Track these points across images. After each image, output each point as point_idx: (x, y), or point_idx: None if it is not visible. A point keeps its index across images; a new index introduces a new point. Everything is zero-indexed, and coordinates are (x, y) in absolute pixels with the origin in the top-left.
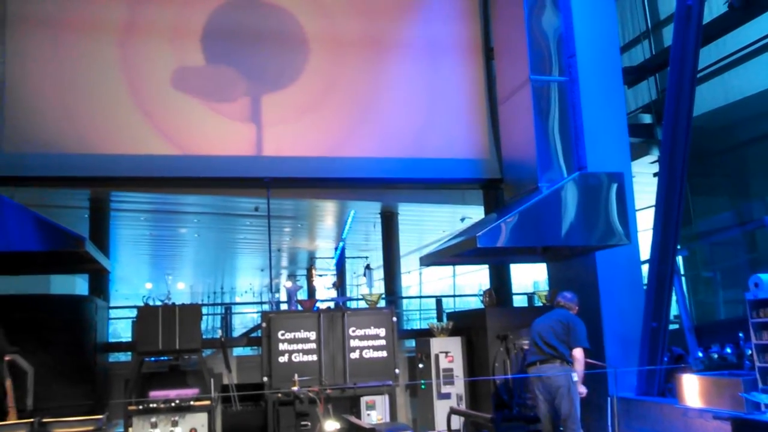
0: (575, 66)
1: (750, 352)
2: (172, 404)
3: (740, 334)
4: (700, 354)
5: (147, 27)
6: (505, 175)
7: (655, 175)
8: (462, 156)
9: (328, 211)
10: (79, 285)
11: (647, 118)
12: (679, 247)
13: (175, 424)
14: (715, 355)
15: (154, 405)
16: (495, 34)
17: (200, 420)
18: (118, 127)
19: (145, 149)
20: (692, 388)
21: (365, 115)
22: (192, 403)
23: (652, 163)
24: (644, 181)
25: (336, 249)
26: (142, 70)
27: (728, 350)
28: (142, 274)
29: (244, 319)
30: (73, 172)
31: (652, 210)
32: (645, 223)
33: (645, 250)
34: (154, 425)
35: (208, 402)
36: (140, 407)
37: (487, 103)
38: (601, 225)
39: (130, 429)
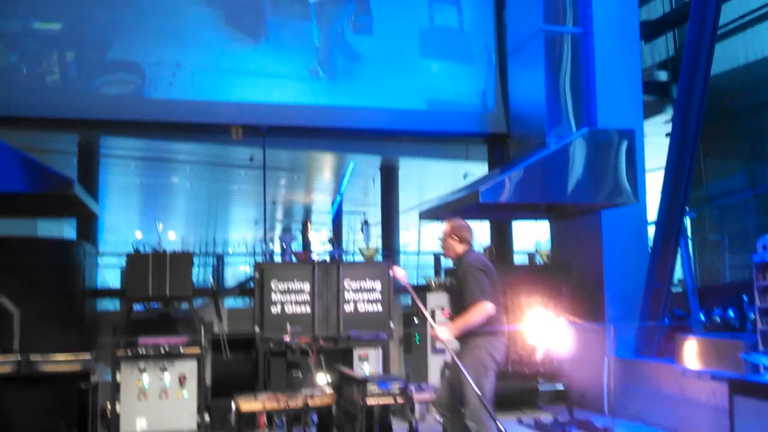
0: (591, 17)
1: (753, 315)
2: (162, 351)
3: (744, 297)
4: (702, 316)
5: None
6: (512, 129)
7: (668, 135)
8: (467, 108)
9: (326, 163)
10: (66, 232)
11: (663, 76)
12: (687, 208)
13: (164, 369)
14: (718, 318)
15: (143, 351)
16: None
17: (190, 367)
18: (108, 67)
19: (136, 92)
20: (692, 349)
21: (367, 63)
22: (182, 350)
23: (666, 122)
24: (656, 141)
25: (333, 203)
26: (135, 5)
27: (731, 313)
28: (131, 224)
29: (237, 272)
30: (60, 113)
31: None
32: (655, 184)
33: (653, 212)
34: (143, 371)
35: (197, 349)
36: (129, 353)
37: (496, 53)
38: (609, 183)
39: (118, 374)
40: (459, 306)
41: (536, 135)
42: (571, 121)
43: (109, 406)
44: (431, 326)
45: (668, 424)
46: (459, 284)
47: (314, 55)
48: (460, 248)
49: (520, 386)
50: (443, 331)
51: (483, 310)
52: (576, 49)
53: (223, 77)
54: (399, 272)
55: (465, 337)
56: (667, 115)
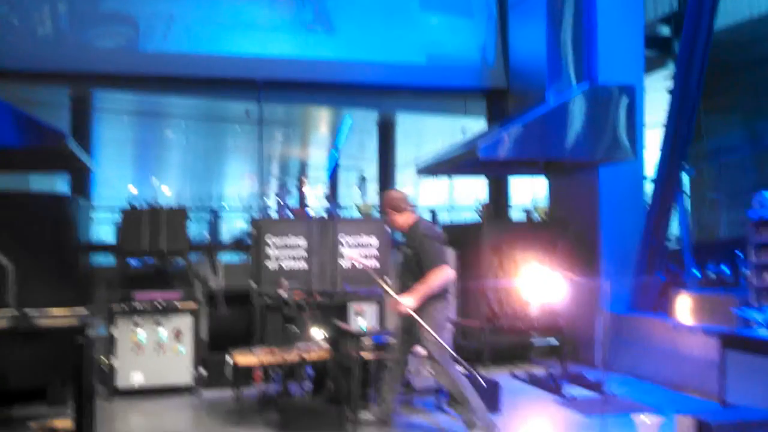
0: None
1: (747, 270)
2: (157, 306)
3: (738, 253)
4: (697, 272)
5: None
6: (511, 84)
7: (669, 91)
8: (466, 63)
9: (322, 117)
10: (59, 187)
11: (665, 30)
12: (686, 165)
13: (159, 324)
14: (712, 274)
15: (139, 306)
16: None
17: (185, 322)
18: (101, 19)
19: (130, 44)
20: (685, 305)
21: (365, 16)
22: (177, 305)
23: (667, 78)
24: (657, 97)
25: (329, 158)
26: None
27: (725, 269)
28: (125, 179)
29: (232, 227)
30: (52, 66)
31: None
32: (655, 140)
33: (652, 168)
34: (138, 326)
35: (193, 304)
36: (124, 307)
37: (497, 6)
38: (608, 139)
39: (114, 329)
40: (416, 275)
41: (536, 90)
42: (571, 75)
43: (105, 361)
44: (394, 298)
45: (661, 379)
46: (415, 254)
47: (311, 8)
48: (402, 219)
49: (514, 341)
50: (409, 299)
51: (444, 273)
52: (578, 2)
53: (218, 30)
54: (352, 254)
55: (423, 303)
56: (669, 70)
